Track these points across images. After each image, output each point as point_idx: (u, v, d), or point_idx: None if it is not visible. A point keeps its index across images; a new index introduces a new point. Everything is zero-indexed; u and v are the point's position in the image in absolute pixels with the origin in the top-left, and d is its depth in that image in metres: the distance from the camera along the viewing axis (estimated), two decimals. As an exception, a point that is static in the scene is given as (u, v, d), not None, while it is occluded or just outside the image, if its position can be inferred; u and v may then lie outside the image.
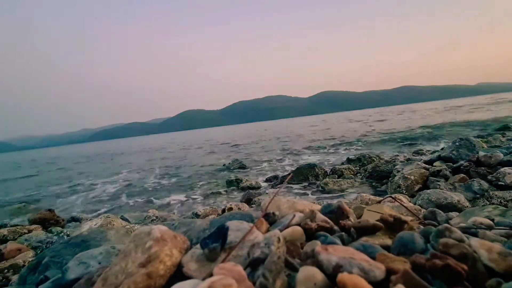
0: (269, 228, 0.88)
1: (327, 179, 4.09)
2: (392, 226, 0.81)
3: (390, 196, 1.89)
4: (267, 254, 0.60)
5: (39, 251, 2.31)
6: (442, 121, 13.54)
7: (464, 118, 14.01)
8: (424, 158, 4.20)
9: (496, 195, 2.22)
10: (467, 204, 2.12)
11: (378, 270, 0.54)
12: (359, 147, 8.49)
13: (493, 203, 2.15)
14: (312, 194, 3.84)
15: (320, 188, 3.95)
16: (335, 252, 0.59)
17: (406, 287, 0.49)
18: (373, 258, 0.60)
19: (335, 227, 0.83)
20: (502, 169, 2.46)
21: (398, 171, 3.28)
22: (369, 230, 0.79)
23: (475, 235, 0.78)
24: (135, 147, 29.74)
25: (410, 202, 2.17)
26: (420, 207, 1.85)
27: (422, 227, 0.87)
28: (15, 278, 1.73)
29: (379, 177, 3.75)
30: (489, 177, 2.51)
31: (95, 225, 2.38)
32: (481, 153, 2.86)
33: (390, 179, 3.26)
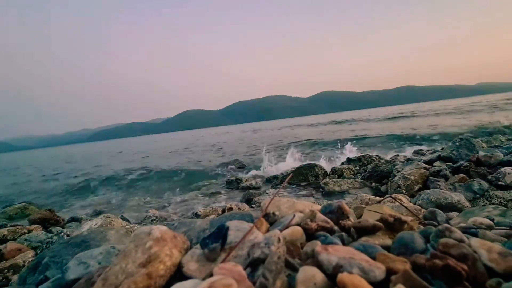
0: (269, 228, 0.88)
1: (327, 179, 4.09)
2: (392, 226, 0.81)
3: (390, 196, 1.89)
4: (267, 254, 0.60)
5: (39, 251, 2.31)
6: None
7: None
8: (424, 158, 4.20)
9: (496, 195, 2.22)
10: (467, 204, 2.12)
11: (378, 270, 0.54)
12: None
13: (493, 203, 2.15)
14: (312, 194, 3.84)
15: (320, 188, 3.95)
16: (335, 252, 0.59)
17: (406, 287, 0.49)
18: (373, 258, 0.60)
19: (335, 227, 0.83)
20: (502, 169, 2.45)
21: (398, 171, 3.28)
22: (369, 230, 0.79)
23: (475, 235, 0.78)
24: (141, 147, 29.05)
25: (410, 202, 2.17)
26: (420, 207, 1.85)
27: (422, 227, 0.87)
28: (15, 278, 1.73)
29: (379, 177, 3.75)
30: (489, 177, 2.50)
31: (95, 225, 2.38)
32: (481, 153, 2.86)
33: (390, 179, 3.26)
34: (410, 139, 8.80)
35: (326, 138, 11.51)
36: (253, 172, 6.44)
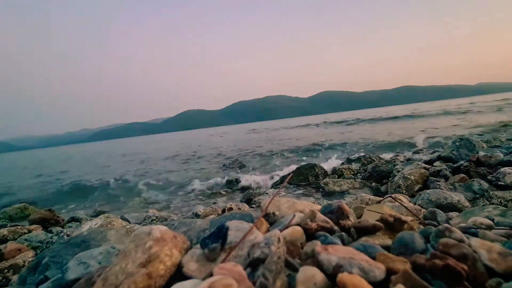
0: (269, 228, 0.88)
1: (327, 179, 4.09)
2: (392, 226, 0.81)
3: (390, 196, 1.89)
4: (267, 254, 0.60)
5: (39, 251, 2.31)
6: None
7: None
8: (424, 158, 4.20)
9: (496, 195, 2.22)
10: (467, 204, 2.12)
11: (378, 270, 0.54)
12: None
13: (493, 203, 2.15)
14: (312, 194, 3.84)
15: (320, 188, 3.95)
16: (335, 252, 0.59)
17: (406, 287, 0.49)
18: (373, 258, 0.60)
19: (335, 227, 0.83)
20: (502, 169, 2.45)
21: (398, 171, 3.28)
22: (369, 230, 0.79)
23: (475, 235, 0.78)
24: (141, 148, 27.99)
25: (410, 202, 2.17)
26: (420, 207, 1.85)
27: (422, 227, 0.87)
28: (15, 278, 1.73)
29: (379, 177, 3.75)
30: (489, 177, 2.50)
31: (95, 225, 2.38)
32: (481, 153, 2.86)
33: (390, 179, 3.26)
34: (409, 140, 8.81)
35: (327, 141, 11.47)
36: (254, 172, 6.44)
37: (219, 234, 0.75)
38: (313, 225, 0.79)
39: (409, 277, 0.51)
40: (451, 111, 19.25)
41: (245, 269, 0.61)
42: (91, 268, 0.84)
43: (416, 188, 2.83)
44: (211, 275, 0.56)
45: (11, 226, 3.26)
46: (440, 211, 1.21)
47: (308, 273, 0.53)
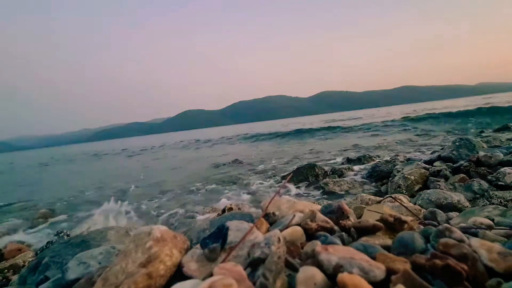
0: (269, 228, 0.88)
1: (327, 179, 4.09)
2: (392, 226, 0.81)
3: (390, 196, 1.89)
4: (267, 254, 0.60)
5: (39, 251, 2.31)
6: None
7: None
8: (424, 158, 4.20)
9: (496, 195, 2.22)
10: (467, 204, 2.12)
11: (378, 270, 0.54)
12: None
13: (493, 203, 2.15)
14: (312, 194, 3.84)
15: (320, 188, 3.95)
16: (335, 252, 0.59)
17: (406, 287, 0.49)
18: (373, 258, 0.60)
19: (335, 227, 0.83)
20: (502, 169, 2.45)
21: (398, 171, 3.28)
22: (369, 230, 0.79)
23: (475, 235, 0.78)
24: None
25: (410, 202, 2.17)
26: (420, 207, 1.85)
27: (422, 227, 0.87)
28: (15, 278, 1.73)
29: (379, 177, 3.75)
30: (489, 177, 2.50)
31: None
32: (481, 153, 2.86)
33: (390, 179, 3.26)
34: (410, 140, 8.81)
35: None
36: (253, 171, 6.44)
37: (219, 234, 0.75)
38: (313, 225, 0.79)
39: (409, 277, 0.51)
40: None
41: (245, 269, 0.61)
42: (91, 268, 0.84)
43: (416, 188, 2.83)
44: (211, 275, 0.56)
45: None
46: (440, 211, 1.21)
47: (308, 273, 0.53)
